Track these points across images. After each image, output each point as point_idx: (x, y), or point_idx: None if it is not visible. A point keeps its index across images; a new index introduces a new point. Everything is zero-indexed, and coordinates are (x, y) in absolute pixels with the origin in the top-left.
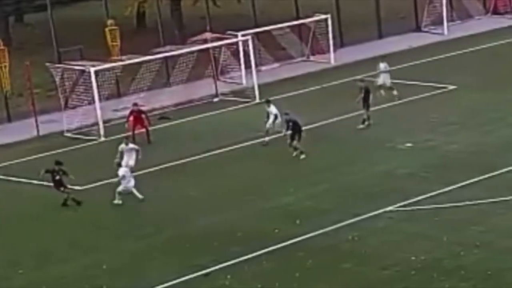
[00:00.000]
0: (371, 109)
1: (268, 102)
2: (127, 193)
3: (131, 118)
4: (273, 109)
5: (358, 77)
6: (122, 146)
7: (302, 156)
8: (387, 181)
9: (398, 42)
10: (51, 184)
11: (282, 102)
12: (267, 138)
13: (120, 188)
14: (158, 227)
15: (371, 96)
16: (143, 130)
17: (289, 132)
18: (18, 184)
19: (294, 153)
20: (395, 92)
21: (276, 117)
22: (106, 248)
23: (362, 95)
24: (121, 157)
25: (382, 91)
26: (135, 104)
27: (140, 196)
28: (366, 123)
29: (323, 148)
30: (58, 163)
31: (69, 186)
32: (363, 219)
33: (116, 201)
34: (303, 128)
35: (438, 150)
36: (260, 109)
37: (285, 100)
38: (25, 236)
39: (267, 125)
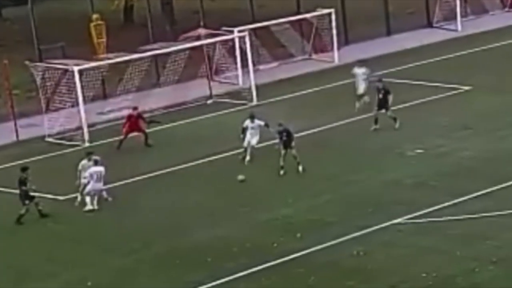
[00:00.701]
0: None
1: (252, 118)
2: (94, 194)
3: (128, 124)
4: (260, 123)
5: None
6: (84, 162)
7: (300, 168)
8: (395, 191)
9: (408, 39)
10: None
11: (281, 105)
12: (248, 157)
13: (88, 188)
14: (147, 240)
15: (390, 97)
16: (140, 133)
17: (281, 142)
18: None
19: (282, 171)
20: (366, 99)
21: (266, 125)
22: (90, 263)
23: (381, 96)
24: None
25: (366, 98)
26: (135, 108)
27: (94, 206)
28: (397, 123)
29: (325, 155)
30: (24, 169)
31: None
32: (369, 232)
33: (87, 207)
34: (303, 133)
35: (450, 157)
36: (258, 112)
37: (284, 103)
38: (1, 250)
39: (247, 141)
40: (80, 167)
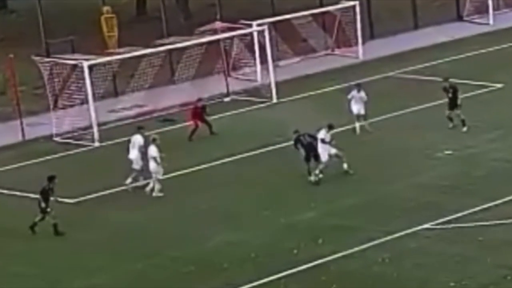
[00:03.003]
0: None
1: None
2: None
3: (192, 115)
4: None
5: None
6: (139, 137)
7: (320, 175)
8: (423, 194)
9: (436, 33)
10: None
11: (302, 103)
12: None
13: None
14: (160, 245)
15: (459, 94)
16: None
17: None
18: (1, 196)
19: (313, 178)
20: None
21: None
22: (102, 269)
23: (450, 95)
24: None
25: (358, 124)
26: (199, 100)
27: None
28: (466, 127)
29: (349, 156)
30: (51, 178)
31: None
32: (395, 238)
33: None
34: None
35: (481, 159)
36: (278, 110)
37: (306, 100)
38: (11, 257)
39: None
40: (135, 141)
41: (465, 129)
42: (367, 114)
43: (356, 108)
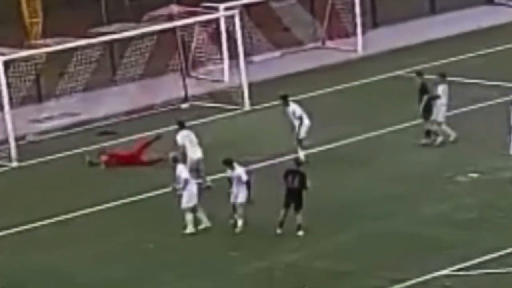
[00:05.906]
0: None
1: (230, 163)
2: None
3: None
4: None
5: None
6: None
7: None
8: (441, 231)
9: (459, 20)
10: None
11: (282, 111)
12: None
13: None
14: None
15: (424, 99)
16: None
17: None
18: None
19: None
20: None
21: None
22: None
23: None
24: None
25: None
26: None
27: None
28: (427, 140)
29: (344, 178)
30: None
31: None
32: (404, 287)
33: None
34: (315, 150)
35: None
36: (251, 120)
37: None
38: None
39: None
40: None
41: (424, 141)
42: (302, 140)
43: (297, 130)
